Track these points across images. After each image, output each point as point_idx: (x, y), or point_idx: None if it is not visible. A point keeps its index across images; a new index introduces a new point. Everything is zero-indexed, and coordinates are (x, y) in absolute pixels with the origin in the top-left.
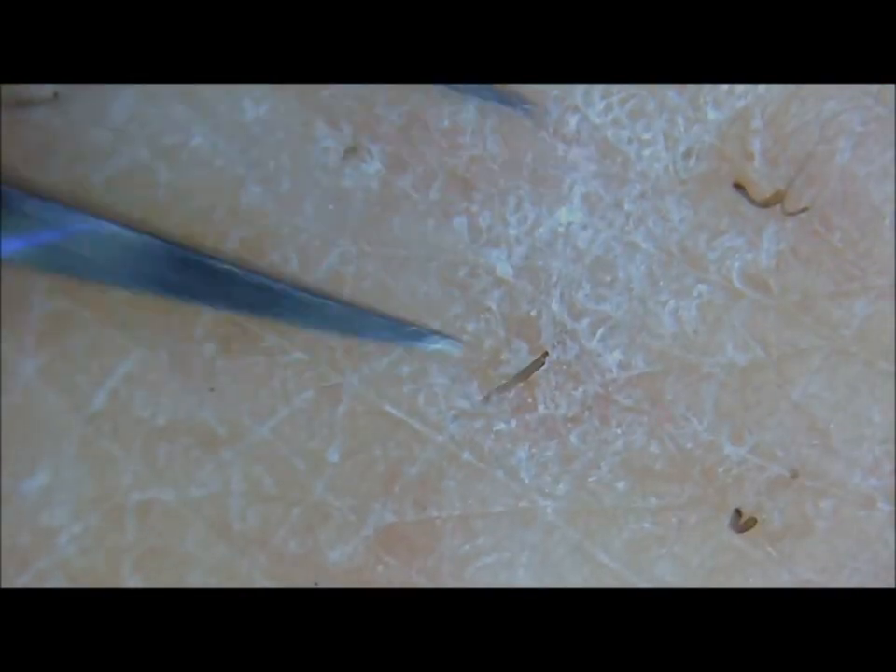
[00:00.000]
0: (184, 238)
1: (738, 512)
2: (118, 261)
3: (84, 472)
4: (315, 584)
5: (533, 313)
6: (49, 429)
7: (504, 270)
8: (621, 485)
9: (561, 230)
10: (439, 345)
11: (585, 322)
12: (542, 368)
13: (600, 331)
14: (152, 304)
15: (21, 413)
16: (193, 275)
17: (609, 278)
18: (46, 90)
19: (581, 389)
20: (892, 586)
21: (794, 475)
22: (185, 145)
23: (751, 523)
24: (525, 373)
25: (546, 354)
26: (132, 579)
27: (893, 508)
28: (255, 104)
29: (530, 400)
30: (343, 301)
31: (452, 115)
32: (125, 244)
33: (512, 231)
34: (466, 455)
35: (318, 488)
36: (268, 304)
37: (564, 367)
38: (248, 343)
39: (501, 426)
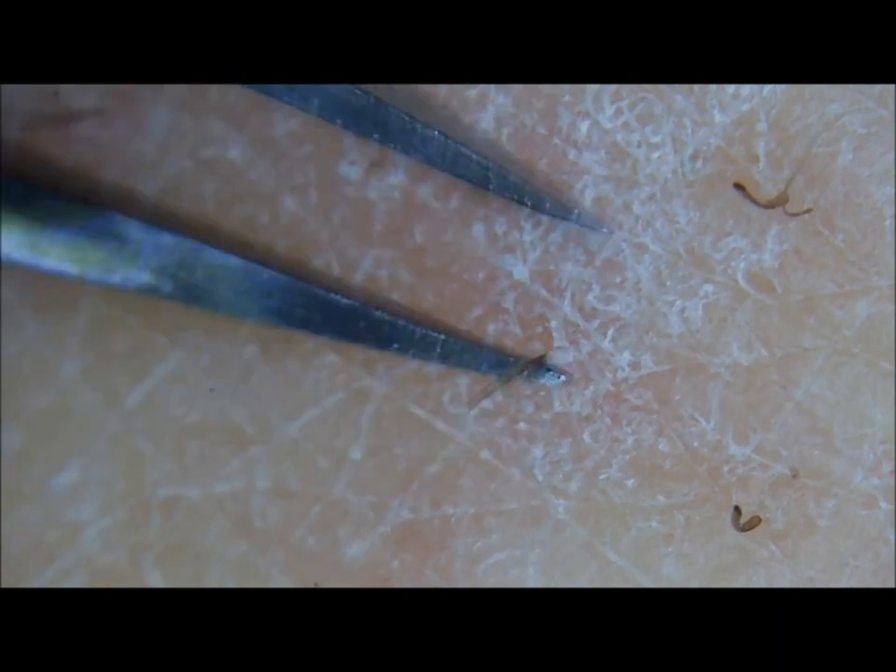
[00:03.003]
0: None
1: (737, 510)
2: (243, 295)
3: (114, 469)
4: (315, 584)
5: (547, 314)
6: (82, 427)
7: (520, 273)
8: (630, 483)
9: (574, 234)
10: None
11: (596, 323)
12: (560, 372)
13: (610, 332)
14: (199, 312)
15: (57, 412)
16: (317, 312)
17: (618, 280)
18: (87, 102)
19: (592, 388)
20: (893, 585)
21: (796, 474)
22: (222, 157)
23: (755, 521)
24: (505, 379)
25: (528, 362)
26: (152, 574)
27: (894, 507)
28: (285, 117)
29: (546, 398)
30: (452, 333)
31: (470, 124)
32: (250, 277)
33: (527, 237)
34: (484, 454)
35: (339, 486)
36: (389, 339)
37: (578, 366)
38: (286, 345)
39: (521, 425)
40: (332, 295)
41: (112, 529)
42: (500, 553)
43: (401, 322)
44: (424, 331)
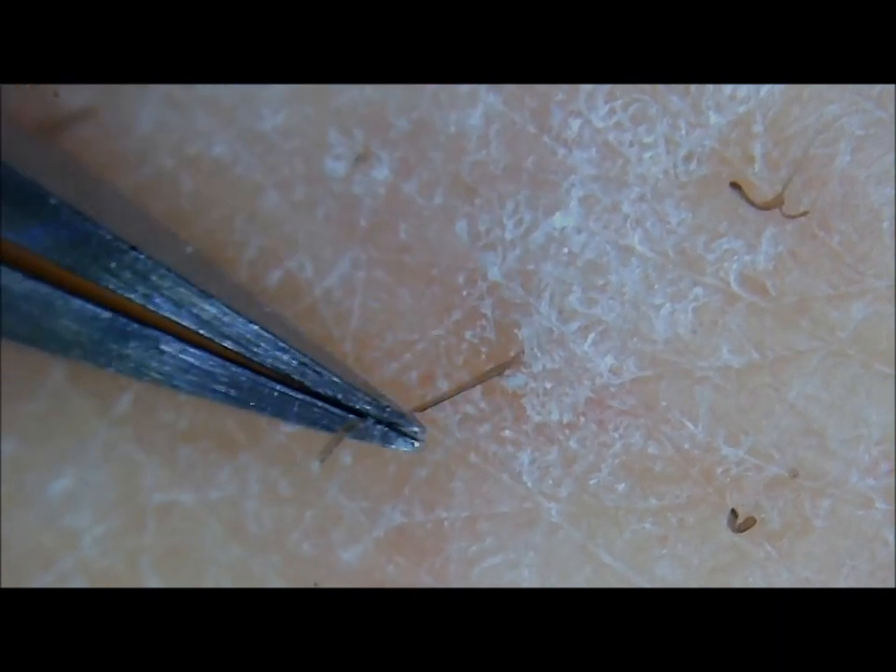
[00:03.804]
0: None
1: (734, 512)
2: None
3: (108, 475)
4: (315, 584)
5: (523, 318)
6: (74, 433)
7: (497, 274)
8: (621, 487)
9: (556, 234)
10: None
11: (575, 326)
12: (531, 376)
13: (591, 336)
14: None
15: (49, 418)
16: (250, 395)
17: (601, 282)
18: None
19: (571, 395)
20: (890, 585)
21: (793, 475)
22: (206, 153)
23: (750, 522)
24: (337, 440)
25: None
26: (150, 578)
27: (891, 507)
28: (273, 112)
29: (521, 410)
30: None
31: (458, 121)
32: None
33: (508, 236)
34: (472, 458)
35: (332, 491)
36: (248, 397)
37: (552, 374)
38: None
39: (506, 432)
40: (192, 349)
41: (109, 535)
42: (494, 556)
43: (261, 380)
44: (282, 390)
